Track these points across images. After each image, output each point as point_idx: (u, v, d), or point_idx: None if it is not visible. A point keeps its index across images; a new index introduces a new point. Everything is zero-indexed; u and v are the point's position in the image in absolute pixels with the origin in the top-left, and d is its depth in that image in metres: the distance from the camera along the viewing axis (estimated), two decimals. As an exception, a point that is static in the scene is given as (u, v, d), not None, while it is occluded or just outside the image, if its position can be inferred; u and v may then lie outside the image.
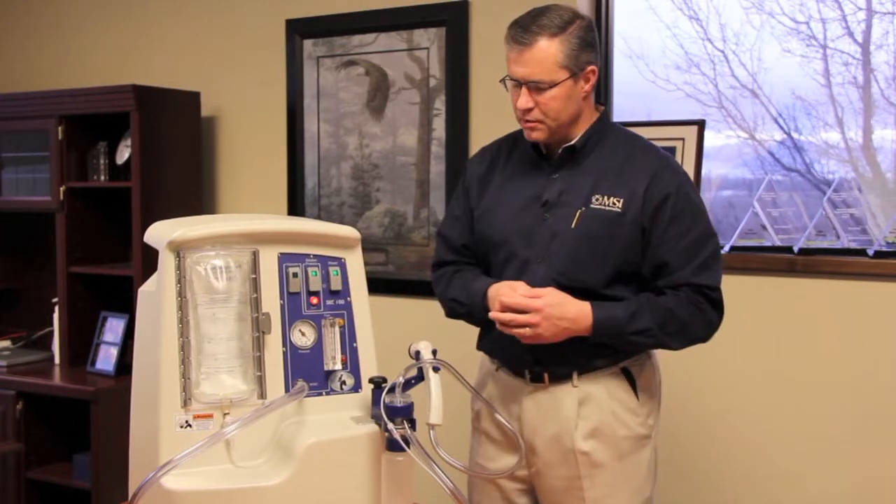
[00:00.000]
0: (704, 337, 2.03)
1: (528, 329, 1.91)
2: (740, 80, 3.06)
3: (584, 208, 1.98)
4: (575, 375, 2.02)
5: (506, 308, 1.93)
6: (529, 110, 1.97)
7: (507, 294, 1.94)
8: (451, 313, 2.16)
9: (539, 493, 2.10)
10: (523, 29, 1.95)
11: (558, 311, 1.91)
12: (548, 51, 1.93)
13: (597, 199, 1.98)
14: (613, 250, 1.96)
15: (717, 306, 2.00)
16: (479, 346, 2.19)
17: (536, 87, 1.95)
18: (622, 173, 1.99)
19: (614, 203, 1.97)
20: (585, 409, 2.01)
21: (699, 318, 1.97)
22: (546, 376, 2.04)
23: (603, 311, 1.94)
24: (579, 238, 1.97)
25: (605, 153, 2.03)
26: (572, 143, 2.03)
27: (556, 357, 2.01)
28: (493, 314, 1.95)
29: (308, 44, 3.49)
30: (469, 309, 2.09)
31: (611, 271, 1.97)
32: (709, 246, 2.00)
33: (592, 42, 1.99)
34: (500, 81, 2.05)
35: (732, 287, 2.79)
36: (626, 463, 2.03)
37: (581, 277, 1.97)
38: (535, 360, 2.04)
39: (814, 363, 2.72)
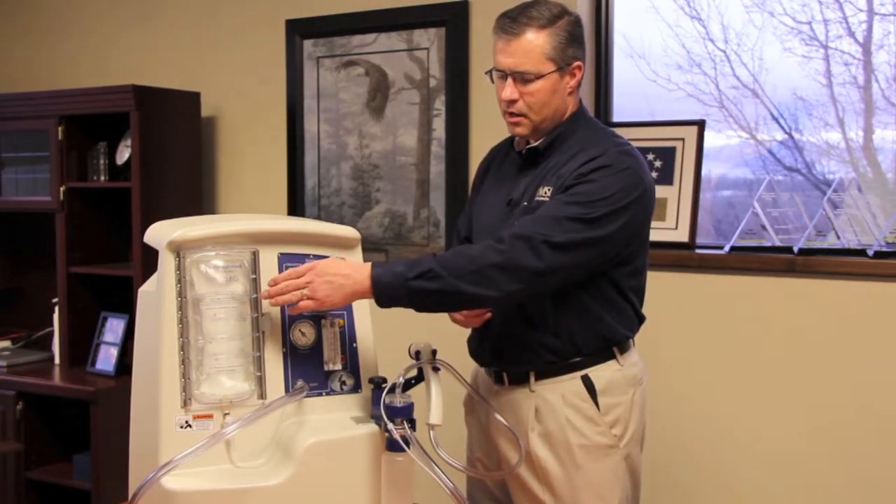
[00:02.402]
0: (524, 282, 1.83)
1: (302, 291, 1.73)
2: (741, 80, 3.06)
3: (526, 203, 1.99)
4: (532, 378, 2.02)
5: (279, 281, 1.76)
6: (513, 102, 1.97)
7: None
8: None
9: (509, 489, 2.12)
10: (512, 20, 1.96)
11: (328, 267, 1.77)
12: (535, 42, 1.94)
13: (538, 192, 1.98)
14: None
15: (537, 249, 1.81)
16: (467, 341, 2.20)
17: (522, 79, 1.95)
18: (566, 164, 1.97)
19: (545, 193, 1.96)
20: (540, 414, 2.01)
21: (502, 260, 1.81)
22: (506, 377, 2.05)
23: (385, 265, 1.81)
24: None
25: (568, 150, 2.00)
26: (535, 144, 2.03)
27: (506, 358, 2.03)
28: (263, 292, 1.75)
29: (308, 44, 3.49)
30: None
31: None
32: (571, 210, 1.86)
33: (580, 38, 2.00)
34: (487, 73, 2.05)
35: (732, 287, 2.81)
36: (585, 471, 1.99)
37: None
38: (493, 357, 2.06)
39: (814, 363, 2.71)
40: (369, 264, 1.80)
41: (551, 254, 1.83)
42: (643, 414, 2.10)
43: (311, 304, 1.74)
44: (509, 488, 2.10)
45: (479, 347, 2.11)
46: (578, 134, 2.03)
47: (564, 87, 1.99)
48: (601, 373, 2.01)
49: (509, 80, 1.96)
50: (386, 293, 1.79)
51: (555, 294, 1.95)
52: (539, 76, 1.94)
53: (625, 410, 2.03)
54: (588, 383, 2.00)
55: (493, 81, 2.04)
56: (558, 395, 2.00)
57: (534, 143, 2.04)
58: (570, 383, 2.00)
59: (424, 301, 1.83)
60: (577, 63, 1.99)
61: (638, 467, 2.10)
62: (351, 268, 1.79)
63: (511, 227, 1.88)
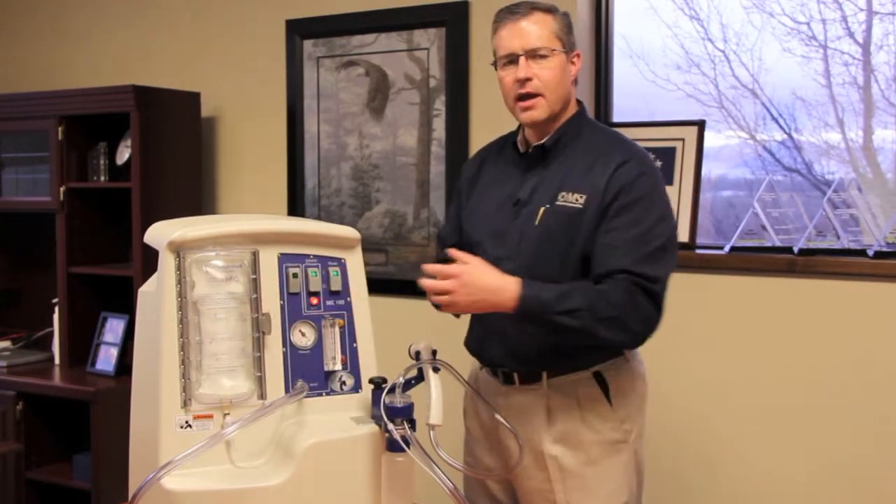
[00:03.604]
0: (641, 332, 1.92)
1: (445, 296, 1.88)
2: (741, 81, 3.06)
3: (547, 206, 1.99)
4: (545, 378, 2.02)
5: (429, 272, 1.92)
6: (528, 81, 1.98)
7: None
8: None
9: (517, 492, 2.12)
10: (515, 6, 2.02)
11: (476, 279, 1.86)
12: (545, 21, 2.00)
13: (562, 196, 1.99)
14: (575, 246, 1.96)
15: (655, 299, 1.91)
16: (465, 343, 2.20)
17: (535, 55, 1.98)
18: (589, 170, 1.99)
19: (577, 199, 1.97)
20: (554, 413, 2.02)
21: (633, 309, 1.88)
22: (517, 377, 2.05)
23: (532, 288, 1.87)
24: (541, 235, 1.98)
25: (578, 150, 2.03)
26: (542, 142, 2.04)
27: (521, 358, 2.03)
28: (420, 281, 1.93)
29: (308, 44, 3.49)
30: None
31: (573, 267, 1.96)
32: (657, 239, 1.93)
33: (573, 31, 2.07)
34: (492, 63, 2.06)
35: (732, 287, 2.81)
36: (598, 468, 2.01)
37: (546, 274, 1.96)
38: (502, 361, 2.06)
39: (814, 363, 2.71)
40: (515, 284, 1.87)
41: (663, 291, 1.93)
42: (645, 410, 2.12)
43: (448, 305, 1.90)
44: (518, 490, 2.10)
45: (487, 349, 2.10)
46: (586, 134, 2.06)
47: (569, 74, 2.03)
48: (612, 370, 2.03)
49: (521, 60, 1.98)
50: (526, 318, 1.90)
51: None
52: (552, 51, 1.99)
53: (633, 406, 2.06)
54: (600, 380, 2.02)
55: (496, 69, 2.06)
56: (572, 392, 2.01)
57: (541, 141, 2.05)
58: (583, 381, 2.02)
59: (559, 333, 1.90)
60: (576, 51, 2.05)
61: (642, 462, 2.12)
62: (498, 283, 1.88)
63: (624, 265, 1.89)
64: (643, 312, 1.89)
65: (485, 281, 1.87)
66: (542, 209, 1.99)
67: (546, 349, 2.00)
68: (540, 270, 1.97)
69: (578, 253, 1.96)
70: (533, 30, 1.98)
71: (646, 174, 1.97)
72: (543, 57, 1.98)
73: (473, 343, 2.16)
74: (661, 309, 1.92)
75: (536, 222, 1.99)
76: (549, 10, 2.02)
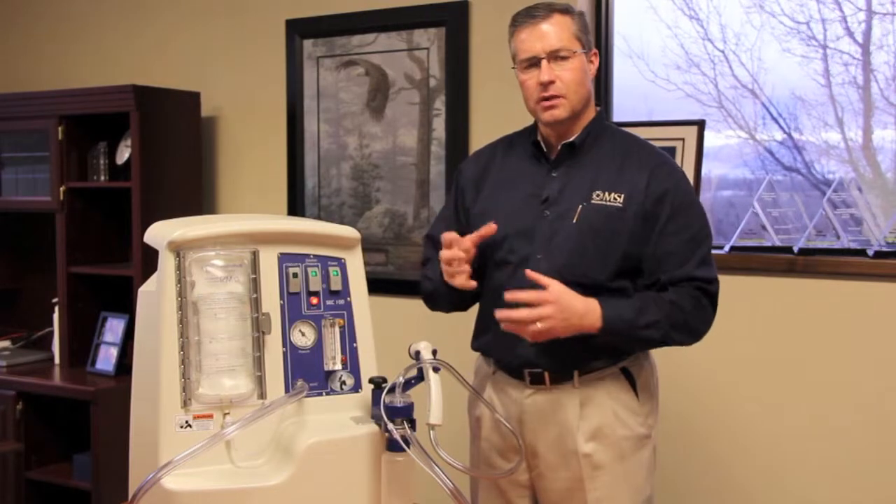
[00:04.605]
0: (703, 332, 2.02)
1: (539, 324, 1.86)
2: (740, 80, 3.06)
3: (584, 203, 2.00)
4: (576, 376, 2.02)
5: (512, 303, 1.89)
6: (551, 83, 1.99)
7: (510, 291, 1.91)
8: (423, 292, 2.18)
9: (540, 495, 2.10)
10: (533, 9, 2.02)
11: (568, 303, 1.88)
12: (564, 22, 2.01)
13: (597, 195, 2.00)
14: (615, 244, 1.97)
15: (714, 301, 2.01)
16: (475, 346, 2.17)
17: (557, 57, 1.99)
18: (621, 170, 2.01)
19: (615, 198, 1.99)
20: (586, 410, 2.01)
21: (699, 313, 1.98)
22: (546, 377, 2.03)
23: (611, 308, 1.91)
24: (581, 232, 1.98)
25: (604, 150, 2.05)
26: (571, 139, 2.05)
27: (557, 357, 2.01)
28: (500, 312, 1.89)
29: (308, 44, 3.49)
30: (434, 284, 2.10)
31: (614, 265, 1.98)
32: (706, 241, 2.03)
33: (588, 29, 2.08)
34: (513, 68, 2.06)
35: (732, 287, 2.80)
36: (627, 463, 2.03)
37: (583, 271, 1.97)
38: (536, 361, 2.03)
39: (814, 363, 2.72)
40: (597, 304, 1.90)
41: (718, 291, 2.02)
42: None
43: (539, 337, 1.88)
44: (542, 495, 2.08)
45: (513, 351, 2.05)
46: (609, 135, 2.08)
47: (589, 73, 2.05)
48: (636, 365, 2.06)
49: (543, 63, 1.99)
50: (610, 336, 1.93)
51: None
52: (573, 52, 1.99)
53: (654, 401, 2.10)
54: (628, 375, 2.04)
55: (516, 73, 2.06)
56: (603, 388, 2.02)
57: (567, 140, 2.05)
58: (613, 376, 2.03)
59: (640, 344, 2.02)
60: (594, 50, 2.07)
61: (656, 456, 2.14)
62: (584, 306, 1.90)
63: (687, 272, 1.97)
64: (706, 314, 2.00)
65: (575, 304, 1.89)
66: (580, 207, 1.99)
67: (578, 346, 1.98)
68: (576, 268, 1.98)
69: (620, 250, 1.98)
70: (553, 32, 1.99)
71: (684, 177, 2.05)
72: (565, 58, 1.99)
73: (492, 347, 2.10)
74: (716, 308, 2.01)
75: (575, 220, 1.99)
76: (567, 10, 2.03)
